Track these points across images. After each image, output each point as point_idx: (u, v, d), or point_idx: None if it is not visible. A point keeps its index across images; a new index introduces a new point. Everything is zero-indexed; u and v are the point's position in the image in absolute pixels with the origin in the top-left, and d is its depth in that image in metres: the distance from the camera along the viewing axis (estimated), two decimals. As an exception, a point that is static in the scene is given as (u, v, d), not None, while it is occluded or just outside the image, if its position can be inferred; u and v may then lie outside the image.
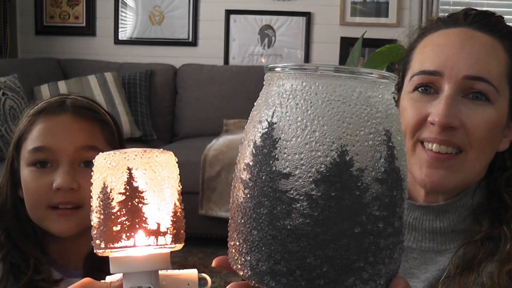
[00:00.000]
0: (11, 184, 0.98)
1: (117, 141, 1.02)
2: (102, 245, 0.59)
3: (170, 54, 3.91)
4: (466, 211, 0.84)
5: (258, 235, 0.44)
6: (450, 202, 0.84)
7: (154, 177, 0.61)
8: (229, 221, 0.49)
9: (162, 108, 3.71)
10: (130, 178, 0.59)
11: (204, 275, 0.67)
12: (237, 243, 0.47)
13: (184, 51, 3.93)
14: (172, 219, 0.61)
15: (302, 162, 0.43)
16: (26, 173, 0.95)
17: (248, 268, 0.45)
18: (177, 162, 0.66)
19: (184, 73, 3.77)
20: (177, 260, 2.77)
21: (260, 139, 0.45)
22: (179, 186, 0.64)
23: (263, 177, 0.44)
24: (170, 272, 0.65)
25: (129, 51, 3.94)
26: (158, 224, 0.60)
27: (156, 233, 0.60)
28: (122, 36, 3.96)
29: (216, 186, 3.01)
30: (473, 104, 0.80)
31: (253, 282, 0.45)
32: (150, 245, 0.59)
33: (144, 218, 0.59)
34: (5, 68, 3.25)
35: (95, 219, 0.61)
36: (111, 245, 0.59)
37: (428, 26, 0.90)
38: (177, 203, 0.63)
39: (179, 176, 0.65)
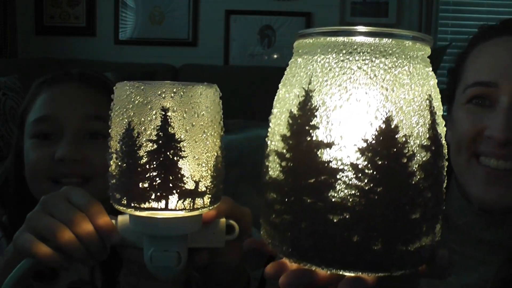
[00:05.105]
0: (16, 165, 0.90)
1: None
2: (124, 202, 0.48)
3: (170, 54, 3.91)
4: None
5: (298, 209, 0.41)
6: (506, 216, 0.80)
7: (196, 122, 0.47)
8: (262, 197, 0.45)
9: (162, 108, 3.70)
10: (165, 122, 0.46)
11: (232, 222, 0.57)
12: (274, 220, 0.43)
13: (184, 51, 3.93)
14: (212, 173, 0.49)
15: (346, 130, 0.40)
16: (27, 145, 0.86)
17: (288, 245, 0.42)
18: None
19: (184, 73, 3.76)
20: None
21: (296, 108, 0.42)
22: (222, 130, 0.51)
23: (302, 148, 0.41)
24: None
25: (129, 51, 3.94)
26: (196, 183, 0.48)
27: (194, 194, 0.47)
28: (122, 36, 3.96)
29: (216, 186, 3.01)
30: None
31: (294, 259, 0.42)
32: (185, 209, 0.48)
33: (179, 176, 0.47)
34: (5, 68, 3.25)
35: (114, 165, 0.49)
36: (137, 205, 0.47)
37: (479, 35, 0.85)
38: (219, 152, 0.50)
39: (222, 116, 0.52)
